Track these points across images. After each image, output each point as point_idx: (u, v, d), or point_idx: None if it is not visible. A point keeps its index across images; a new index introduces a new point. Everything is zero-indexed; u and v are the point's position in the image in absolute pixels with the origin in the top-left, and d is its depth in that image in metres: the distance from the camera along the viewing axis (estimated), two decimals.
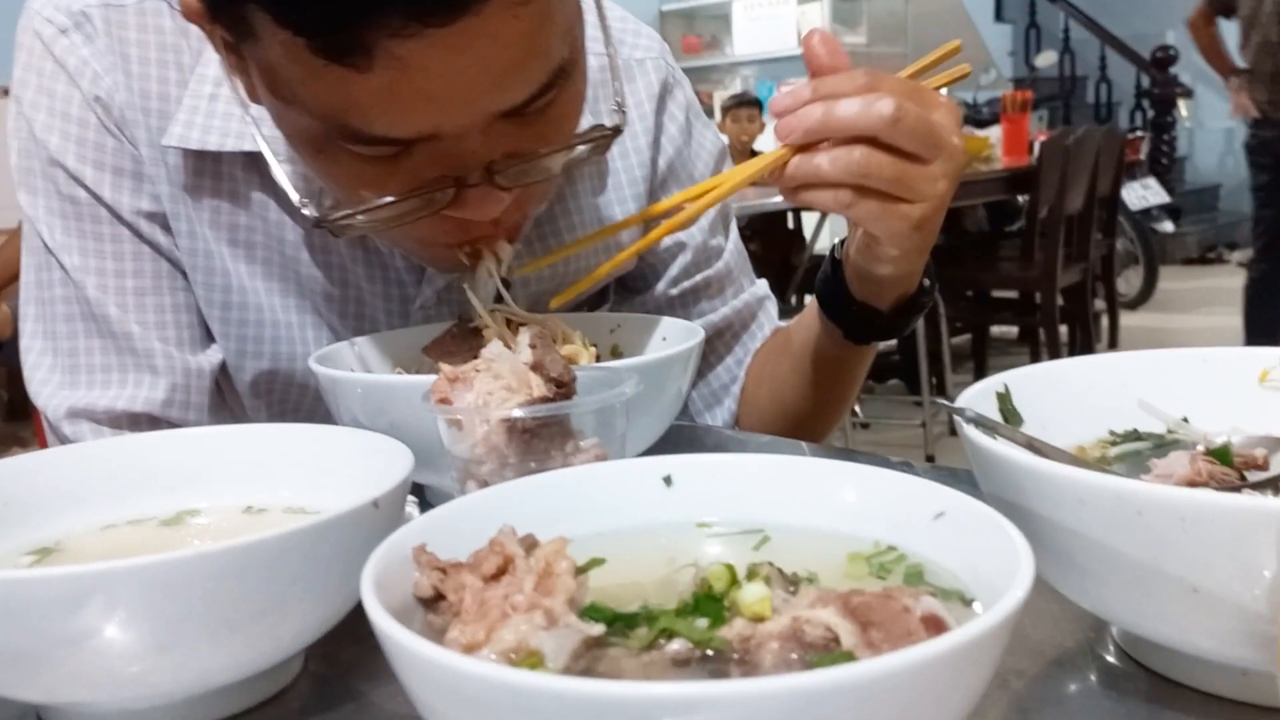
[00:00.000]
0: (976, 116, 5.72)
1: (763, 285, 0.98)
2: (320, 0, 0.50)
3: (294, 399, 0.84)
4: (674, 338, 0.77)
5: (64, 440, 0.77)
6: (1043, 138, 4.55)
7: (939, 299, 3.75)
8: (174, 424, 0.77)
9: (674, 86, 0.90)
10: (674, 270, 0.91)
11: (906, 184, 0.63)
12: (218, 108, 0.74)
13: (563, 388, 0.50)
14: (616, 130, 0.64)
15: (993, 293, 4.84)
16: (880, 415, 4.14)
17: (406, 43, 0.51)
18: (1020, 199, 4.72)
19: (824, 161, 0.62)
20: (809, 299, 0.91)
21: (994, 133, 5.10)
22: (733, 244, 0.96)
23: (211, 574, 0.40)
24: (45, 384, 0.77)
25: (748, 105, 4.77)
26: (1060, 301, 4.32)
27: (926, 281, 0.77)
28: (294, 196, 0.67)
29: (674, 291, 0.92)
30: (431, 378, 0.68)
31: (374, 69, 0.52)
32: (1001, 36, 8.11)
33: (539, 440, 0.48)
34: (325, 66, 0.52)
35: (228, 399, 0.84)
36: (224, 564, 0.40)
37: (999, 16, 8.07)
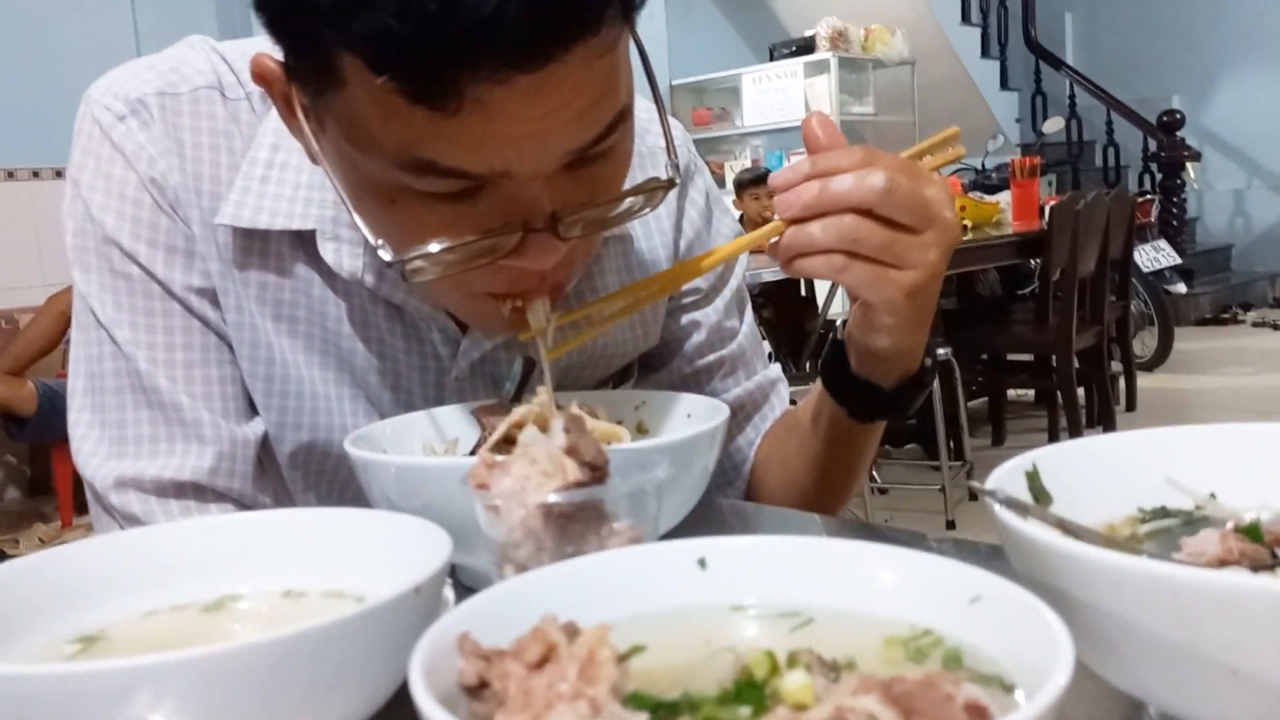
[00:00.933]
0: (985, 182, 5.76)
1: (775, 369, 1.00)
2: (418, 47, 0.52)
3: (330, 470, 0.86)
4: (699, 414, 0.78)
5: (110, 510, 0.79)
6: (1052, 202, 4.58)
7: (954, 363, 3.76)
8: (220, 493, 0.79)
9: (695, 173, 0.94)
10: (689, 348, 0.94)
11: (897, 252, 0.66)
12: (268, 189, 0.78)
13: (597, 471, 0.50)
14: (671, 183, 0.67)
15: (1008, 356, 4.84)
16: (898, 481, 4.12)
17: (496, 89, 0.54)
18: (1032, 263, 4.74)
19: (816, 229, 0.66)
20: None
21: (1003, 198, 5.14)
22: (747, 327, 0.98)
23: (258, 664, 0.40)
24: (93, 455, 0.79)
25: (756, 183, 4.85)
26: (1076, 364, 4.31)
27: (929, 360, 0.80)
28: (344, 268, 0.75)
29: (689, 369, 0.95)
30: (462, 460, 0.69)
31: (461, 112, 0.55)
32: (1008, 103, 8.21)
33: (575, 524, 0.49)
34: (410, 108, 0.55)
35: (268, 469, 0.86)
36: (270, 654, 0.40)
37: (1005, 84, 8.17)
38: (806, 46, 6.53)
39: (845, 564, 0.45)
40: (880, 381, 0.79)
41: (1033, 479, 0.52)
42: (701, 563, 0.47)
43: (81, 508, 4.23)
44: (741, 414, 0.97)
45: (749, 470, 0.96)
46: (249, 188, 0.78)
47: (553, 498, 0.48)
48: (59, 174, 4.45)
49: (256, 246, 0.79)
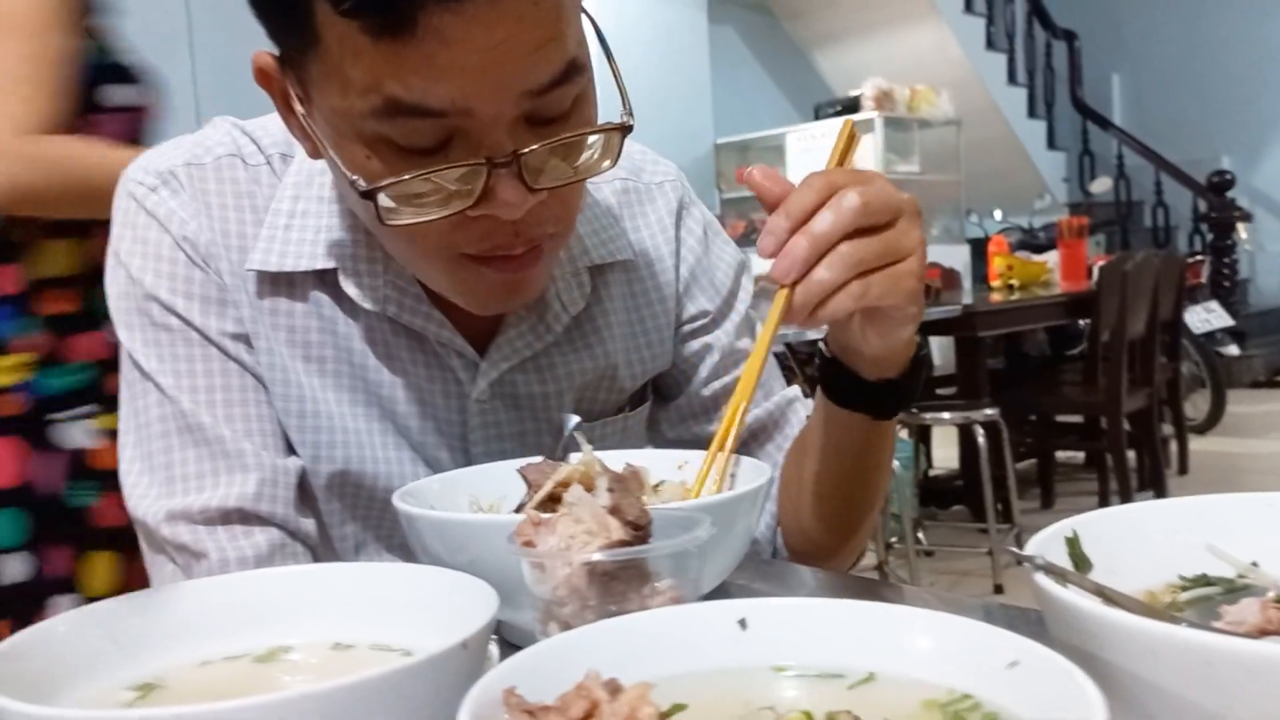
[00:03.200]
0: (1033, 242, 5.74)
1: (794, 389, 1.02)
2: None
3: (364, 501, 0.89)
4: (742, 474, 0.78)
5: (163, 545, 0.82)
6: (1100, 262, 4.55)
7: (1002, 423, 3.72)
8: (264, 518, 0.82)
9: (690, 205, 1.00)
10: (704, 372, 0.98)
11: (895, 247, 0.71)
12: (291, 235, 0.85)
13: (640, 531, 0.52)
14: (626, 127, 0.73)
15: (1057, 417, 4.78)
16: (944, 543, 4.07)
17: (444, 16, 0.62)
18: (1081, 323, 4.70)
19: (823, 273, 0.69)
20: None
21: (1051, 257, 5.12)
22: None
23: (312, 713, 0.42)
24: (144, 498, 0.83)
25: None
26: (1126, 426, 4.26)
27: (917, 336, 0.83)
28: (365, 301, 0.83)
29: (705, 393, 0.98)
30: (507, 518, 0.71)
31: (416, 37, 0.62)
32: (1055, 163, 8.20)
33: (618, 583, 0.50)
34: (374, 44, 0.63)
35: (309, 501, 0.89)
36: (324, 704, 0.42)
37: (1052, 144, 8.17)
38: (851, 106, 6.58)
39: (884, 627, 0.45)
40: (892, 375, 0.82)
41: (1073, 545, 0.52)
42: (742, 623, 0.48)
43: None
44: (763, 435, 0.99)
45: (775, 491, 0.97)
46: (274, 235, 0.85)
47: (596, 556, 0.50)
48: None
49: (284, 290, 0.85)
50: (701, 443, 0.98)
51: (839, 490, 0.90)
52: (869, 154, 6.41)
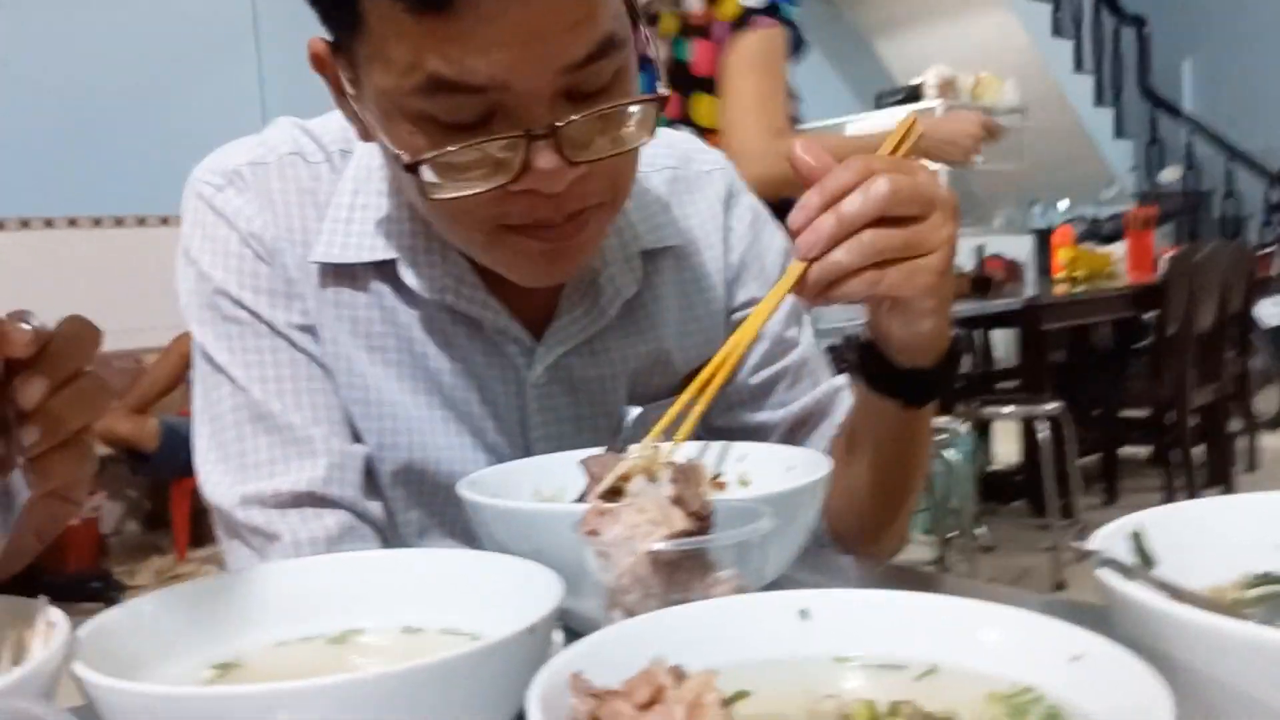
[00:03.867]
0: (1099, 232, 5.63)
1: (840, 378, 1.02)
2: None
3: (427, 487, 0.91)
4: (802, 467, 0.79)
5: (237, 528, 0.85)
6: (1168, 253, 4.46)
7: (1066, 418, 3.67)
8: (333, 501, 0.84)
9: (739, 192, 1.01)
10: (753, 359, 0.98)
11: (918, 242, 0.70)
12: (353, 228, 0.87)
13: (702, 521, 0.52)
14: (662, 98, 0.75)
15: (1122, 412, 4.70)
16: (1005, 538, 4.02)
17: None
18: (1147, 316, 4.61)
19: (840, 256, 0.69)
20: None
21: (1118, 248, 5.02)
22: (807, 338, 1.02)
23: (388, 692, 0.43)
24: (219, 485, 0.86)
25: None
26: (1193, 421, 4.17)
27: (953, 330, 0.83)
28: (424, 290, 0.86)
29: (754, 381, 0.98)
30: (571, 507, 0.72)
31: (456, 13, 0.64)
32: (1122, 152, 8.02)
33: (680, 572, 0.51)
34: (416, 22, 0.65)
35: (375, 486, 0.91)
36: (400, 683, 0.43)
37: (1119, 133, 8.00)
38: (914, 95, 6.50)
39: (948, 619, 0.46)
40: (924, 364, 0.82)
41: (1138, 540, 0.52)
42: (804, 613, 0.48)
43: (196, 542, 4.40)
44: (810, 421, 1.00)
45: None
46: (335, 229, 0.87)
47: (659, 546, 0.50)
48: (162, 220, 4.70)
49: (346, 281, 0.88)
50: (750, 431, 0.99)
51: (875, 477, 0.90)
52: None
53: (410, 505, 0.92)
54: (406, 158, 0.72)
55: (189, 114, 4.86)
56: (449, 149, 0.71)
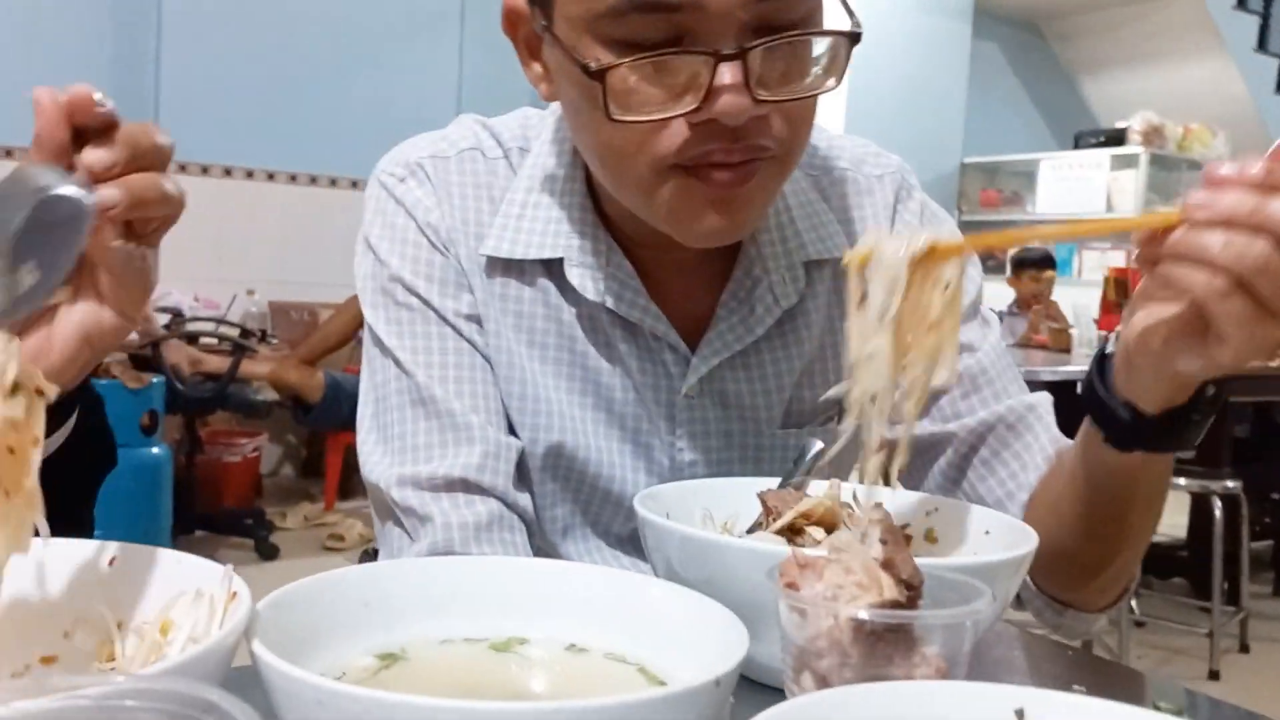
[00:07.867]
0: None
1: (1039, 396, 0.91)
2: None
3: (575, 484, 0.92)
4: (999, 533, 0.73)
5: (393, 507, 0.85)
6: None
7: (1243, 497, 3.43)
8: (485, 489, 0.84)
9: (908, 194, 0.97)
10: None
11: None
12: (524, 224, 0.88)
13: (913, 591, 0.48)
14: (856, 35, 0.73)
15: None
16: (1159, 615, 3.79)
17: None
18: None
19: (1216, 241, 0.57)
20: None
21: None
22: (990, 345, 0.92)
23: None
24: (379, 464, 0.87)
25: (1035, 264, 4.67)
26: None
27: (1210, 389, 0.69)
28: (588, 290, 0.86)
29: None
30: (753, 543, 0.68)
31: None
32: None
33: (883, 644, 0.47)
34: None
35: (526, 479, 0.91)
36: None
37: None
38: (1116, 138, 6.23)
39: None
40: (1143, 404, 0.69)
41: None
42: (1019, 714, 0.43)
43: (344, 494, 4.56)
44: (992, 444, 0.89)
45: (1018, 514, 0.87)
46: (507, 224, 0.89)
47: (864, 614, 0.46)
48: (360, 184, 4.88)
49: (514, 276, 0.89)
50: (918, 444, 0.90)
51: (1084, 520, 0.80)
52: (1128, 192, 6.05)
53: (557, 501, 0.92)
54: (594, 65, 0.71)
55: (389, 87, 5.06)
56: (640, 56, 0.71)
